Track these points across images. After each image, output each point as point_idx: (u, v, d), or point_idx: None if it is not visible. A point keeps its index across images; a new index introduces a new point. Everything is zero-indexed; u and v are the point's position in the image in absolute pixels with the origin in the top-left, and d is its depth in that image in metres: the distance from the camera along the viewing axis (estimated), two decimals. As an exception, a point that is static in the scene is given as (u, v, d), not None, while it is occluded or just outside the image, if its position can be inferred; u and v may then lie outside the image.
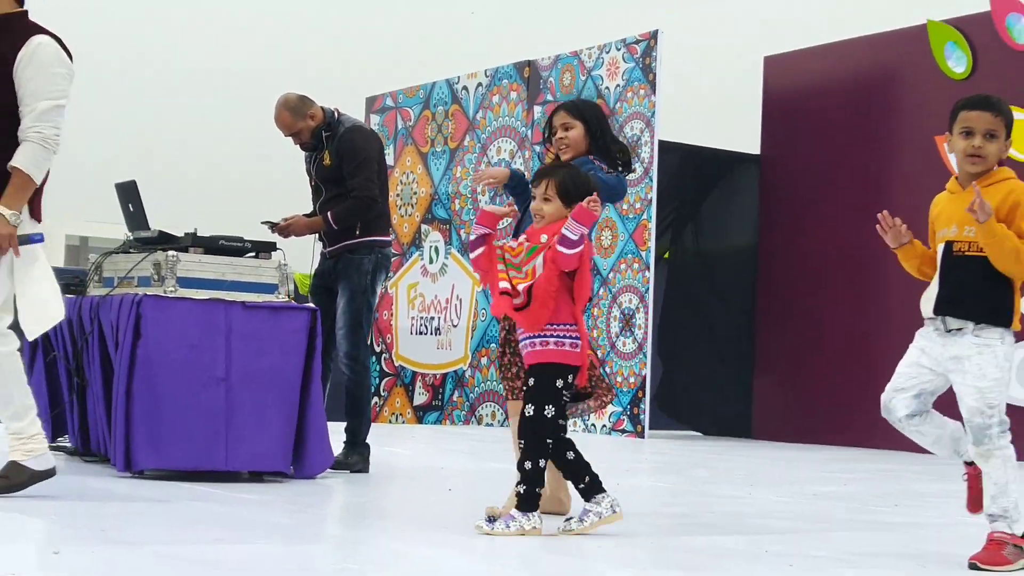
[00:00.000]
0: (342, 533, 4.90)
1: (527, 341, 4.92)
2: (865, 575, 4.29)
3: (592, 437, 11.76)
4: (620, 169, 5.66)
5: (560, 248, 4.85)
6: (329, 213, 7.18)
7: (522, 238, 5.04)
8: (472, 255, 5.05)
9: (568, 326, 4.90)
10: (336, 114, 7.34)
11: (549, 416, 4.85)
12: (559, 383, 4.88)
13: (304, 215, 7.42)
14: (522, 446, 4.88)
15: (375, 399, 14.21)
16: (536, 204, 5.02)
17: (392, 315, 14.22)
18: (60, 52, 5.32)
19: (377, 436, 10.57)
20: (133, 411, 6.20)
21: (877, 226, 4.80)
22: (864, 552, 4.79)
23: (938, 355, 4.61)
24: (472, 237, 5.04)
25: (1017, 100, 10.41)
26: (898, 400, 4.69)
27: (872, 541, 5.10)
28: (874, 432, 11.15)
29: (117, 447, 6.22)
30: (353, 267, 7.20)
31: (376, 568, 4.21)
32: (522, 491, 4.83)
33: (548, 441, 4.86)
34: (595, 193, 4.94)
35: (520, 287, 4.86)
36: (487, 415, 13.13)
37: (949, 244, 4.68)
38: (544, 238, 4.92)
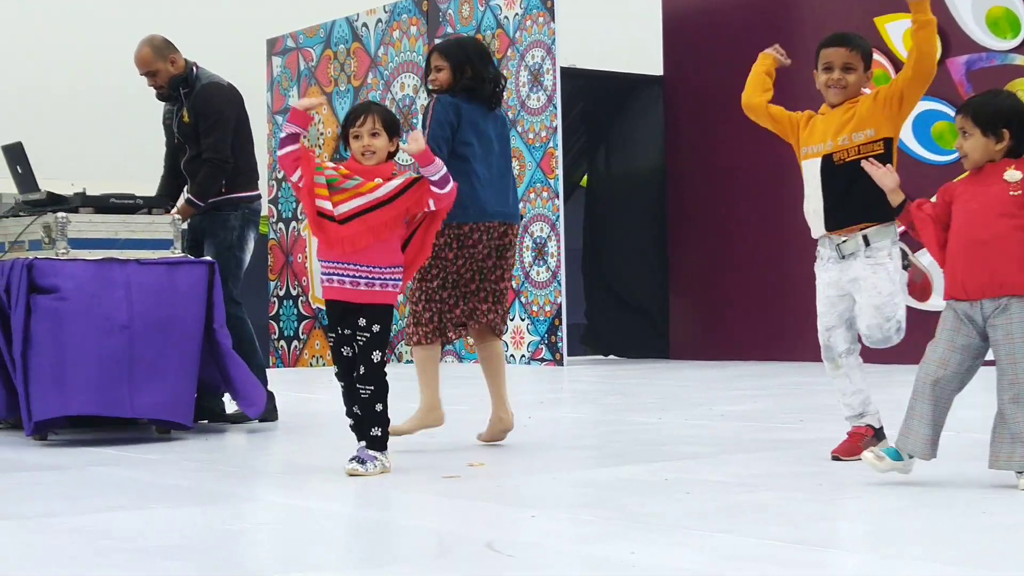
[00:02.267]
0: (235, 491, 4.86)
1: (355, 279, 4.95)
2: (760, 498, 4.31)
3: (511, 367, 11.78)
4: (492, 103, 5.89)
5: (436, 191, 4.99)
6: (190, 197, 7.15)
7: (340, 166, 5.03)
8: (282, 152, 4.99)
9: (398, 268, 5.03)
10: (195, 69, 7.25)
11: (385, 360, 5.04)
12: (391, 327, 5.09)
13: (163, 177, 7.46)
14: (371, 391, 4.98)
15: (295, 343, 14.15)
16: (365, 141, 4.99)
17: (307, 257, 14.13)
18: None
19: (295, 381, 10.59)
20: (30, 367, 6.12)
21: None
22: (763, 473, 4.82)
23: (838, 280, 5.06)
24: (283, 134, 5.01)
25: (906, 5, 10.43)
26: (835, 336, 5.13)
27: (772, 461, 5.13)
28: (792, 345, 11.30)
29: (23, 411, 6.14)
30: (219, 224, 7.19)
31: (261, 526, 4.18)
32: (379, 433, 5.01)
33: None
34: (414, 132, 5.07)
35: (342, 208, 4.91)
36: (407, 352, 13.11)
37: (828, 156, 5.07)
38: (381, 183, 4.96)
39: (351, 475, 4.88)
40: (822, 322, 5.16)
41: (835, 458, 5.07)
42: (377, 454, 4.97)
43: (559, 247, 11.79)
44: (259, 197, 7.46)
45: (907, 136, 10.45)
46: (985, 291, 4.39)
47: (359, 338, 5.00)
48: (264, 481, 5.27)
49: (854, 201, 4.98)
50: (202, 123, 7.12)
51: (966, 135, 4.46)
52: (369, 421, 4.99)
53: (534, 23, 12.01)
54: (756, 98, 5.36)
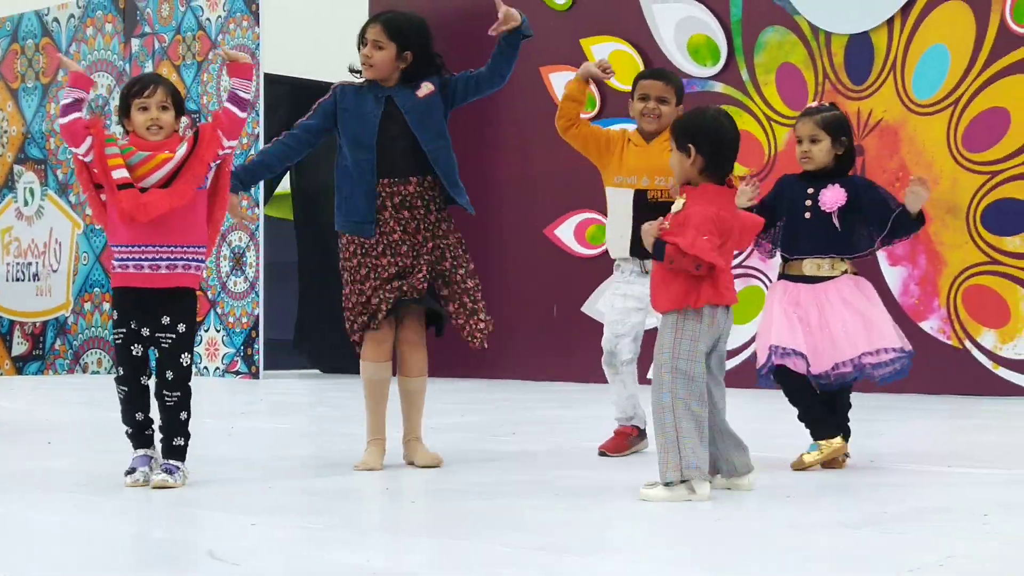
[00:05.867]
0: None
1: (154, 262, 4.50)
2: (493, 505, 4.20)
3: (205, 380, 11.41)
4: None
5: (232, 108, 4.61)
6: None
7: (123, 140, 4.57)
8: (65, 120, 4.53)
9: (201, 248, 4.63)
10: None
11: (192, 363, 4.66)
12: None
13: None
14: (178, 397, 4.58)
15: (-30, 352, 13.38)
16: (153, 114, 4.51)
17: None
18: None
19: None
20: None
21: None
22: (491, 481, 4.72)
23: (641, 294, 5.29)
24: (67, 101, 4.55)
25: (613, 30, 10.64)
26: (623, 344, 5.43)
27: (497, 470, 5.04)
28: (495, 362, 11.30)
29: None
30: None
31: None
32: (183, 443, 4.63)
33: None
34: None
35: (148, 182, 4.47)
36: (92, 362, 12.55)
37: (642, 192, 5.44)
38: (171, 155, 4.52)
39: (158, 487, 4.47)
40: (612, 329, 5.47)
41: (602, 454, 5.46)
42: (180, 464, 4.59)
43: (258, 257, 11.48)
44: None
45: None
46: None
47: (163, 340, 4.56)
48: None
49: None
50: None
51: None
52: (173, 430, 4.59)
53: (238, 27, 11.70)
54: (570, 124, 5.59)
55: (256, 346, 11.46)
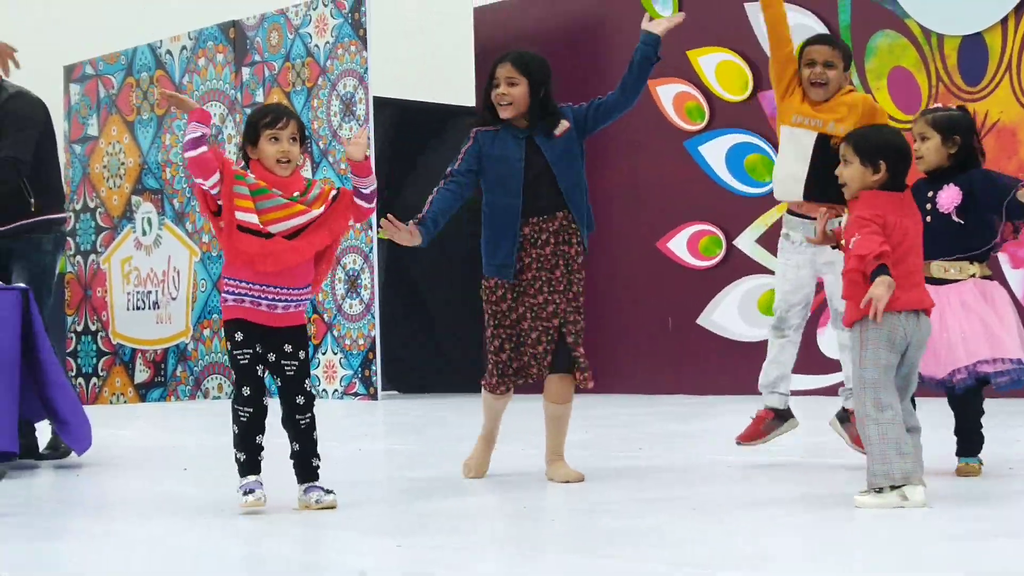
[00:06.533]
0: (82, 526, 4.57)
1: (272, 302, 4.59)
2: (625, 522, 4.20)
3: (323, 403, 11.53)
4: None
5: (361, 203, 4.73)
6: None
7: (252, 177, 4.61)
8: (195, 153, 4.53)
9: (308, 288, 4.73)
10: (1, 80, 6.87)
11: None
12: None
13: None
14: (310, 419, 4.68)
15: (94, 380, 13.64)
16: (285, 147, 4.58)
17: (107, 291, 13.64)
18: None
19: (98, 418, 10.13)
20: None
21: None
22: (624, 499, 4.72)
23: (812, 260, 5.43)
24: (194, 135, 4.55)
25: (719, 40, 10.63)
26: (795, 312, 5.53)
27: (629, 488, 5.04)
28: (610, 377, 11.29)
29: None
30: (32, 247, 6.70)
31: (125, 558, 3.92)
32: (319, 463, 4.69)
33: None
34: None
35: (277, 228, 4.55)
36: (213, 388, 12.74)
37: (824, 136, 5.37)
38: (306, 208, 4.62)
39: (325, 508, 4.55)
40: (786, 299, 5.51)
41: (739, 443, 5.59)
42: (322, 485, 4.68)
43: (372, 279, 11.59)
44: (67, 219, 7.08)
45: (720, 169, 10.57)
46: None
47: (287, 368, 4.64)
48: (107, 513, 4.95)
49: (835, 183, 4.81)
50: (9, 125, 6.60)
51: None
52: (309, 452, 4.66)
53: (346, 51, 11.83)
54: (785, 46, 5.60)
55: (374, 368, 11.56)
